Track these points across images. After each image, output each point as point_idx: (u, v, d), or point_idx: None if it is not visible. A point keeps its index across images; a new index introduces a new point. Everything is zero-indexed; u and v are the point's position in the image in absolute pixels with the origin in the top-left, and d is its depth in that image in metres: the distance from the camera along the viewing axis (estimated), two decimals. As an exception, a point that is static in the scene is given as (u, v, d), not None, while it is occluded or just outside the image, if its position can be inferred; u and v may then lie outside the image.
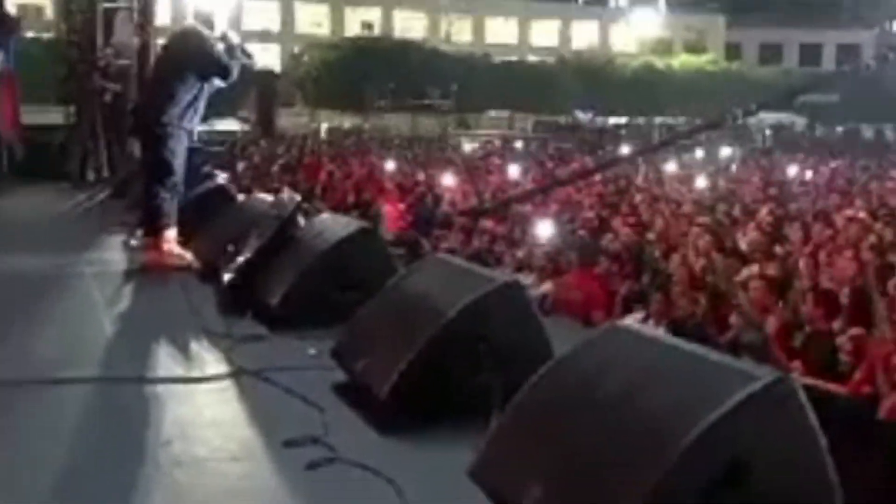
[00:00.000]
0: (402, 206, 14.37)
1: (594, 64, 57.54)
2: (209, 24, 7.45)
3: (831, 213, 13.09)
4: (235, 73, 7.42)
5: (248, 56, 7.66)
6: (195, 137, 7.62)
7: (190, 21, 7.57)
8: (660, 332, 3.31)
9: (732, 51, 69.87)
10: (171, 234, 7.17)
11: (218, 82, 7.42)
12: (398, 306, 4.18)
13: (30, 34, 34.75)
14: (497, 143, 33.41)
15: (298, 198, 6.16)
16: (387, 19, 62.06)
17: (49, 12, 50.06)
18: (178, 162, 7.21)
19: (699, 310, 7.90)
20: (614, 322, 3.72)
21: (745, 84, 54.88)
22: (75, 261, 7.40)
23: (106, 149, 13.91)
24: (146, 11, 14.58)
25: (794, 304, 7.95)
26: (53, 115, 16.19)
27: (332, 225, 5.67)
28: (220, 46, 7.33)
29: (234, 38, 7.53)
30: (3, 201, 11.70)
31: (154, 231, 7.21)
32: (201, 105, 7.40)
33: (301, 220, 6.02)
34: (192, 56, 7.27)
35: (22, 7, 47.26)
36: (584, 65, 56.92)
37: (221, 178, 8.28)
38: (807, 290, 8.09)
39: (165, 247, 7.15)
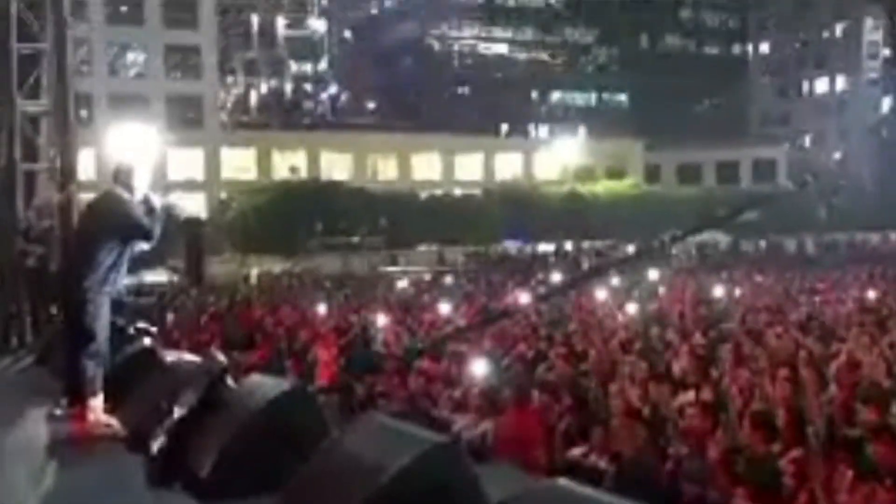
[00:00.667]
0: (335, 351, 14.25)
1: (520, 193, 58.66)
2: (129, 188, 7.44)
3: (762, 331, 13.29)
4: (157, 233, 7.39)
5: (172, 211, 7.65)
6: (121, 293, 7.53)
7: (110, 185, 7.55)
8: (593, 493, 3.24)
9: (652, 173, 71.94)
10: (98, 402, 6.99)
11: (140, 244, 7.37)
12: (334, 470, 4.07)
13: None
14: (428, 278, 33.56)
15: (225, 361, 6.05)
16: (312, 161, 62.84)
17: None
18: (102, 327, 7.09)
19: (639, 441, 7.88)
20: (550, 481, 3.65)
21: (667, 205, 56.35)
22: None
23: (30, 313, 13.63)
24: (68, 171, 14.50)
25: (732, 428, 7.97)
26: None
27: (262, 385, 5.56)
28: (141, 209, 7.31)
29: (156, 201, 7.51)
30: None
31: (79, 400, 7.02)
32: (123, 267, 7.33)
33: (230, 382, 5.89)
34: (112, 221, 7.23)
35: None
36: (510, 194, 57.98)
37: (147, 339, 8.12)
38: (743, 413, 8.13)
39: (92, 416, 6.95)
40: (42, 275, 13.14)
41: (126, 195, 7.36)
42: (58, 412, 7.64)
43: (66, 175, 14.22)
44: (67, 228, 13.39)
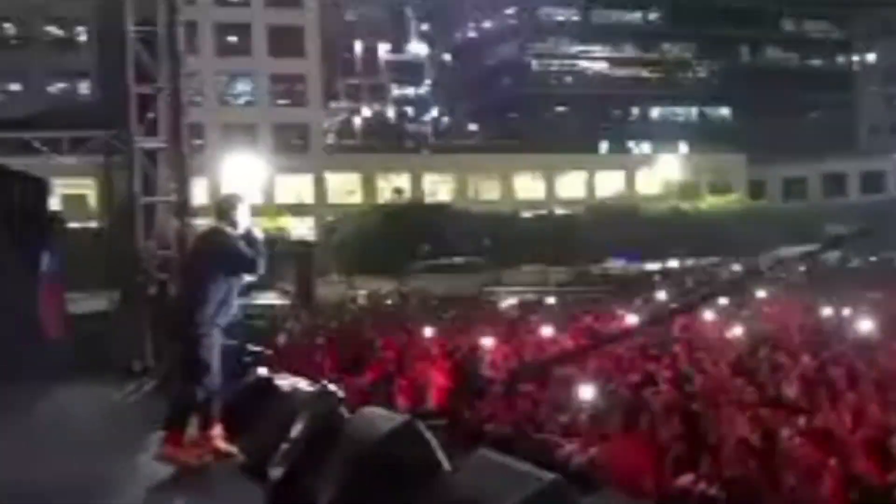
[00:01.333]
0: (444, 373, 14.30)
1: (622, 210, 58.12)
2: (232, 222, 7.66)
3: (874, 350, 12.87)
4: (261, 266, 7.59)
5: (271, 245, 7.88)
6: (235, 316, 7.79)
7: (213, 222, 7.79)
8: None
9: (756, 188, 70.49)
10: (217, 430, 7.21)
11: (246, 276, 7.60)
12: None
13: (74, 224, 35.87)
14: (532, 297, 33.42)
15: (340, 393, 6.18)
16: (416, 184, 63.43)
17: (91, 200, 51.66)
18: (215, 358, 7.31)
19: (751, 469, 7.72)
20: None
21: (773, 220, 55.23)
22: (123, 463, 7.40)
23: (151, 340, 14.08)
24: (184, 202, 14.97)
25: (846, 456, 7.76)
26: (98, 302, 16.47)
27: (376, 418, 5.66)
28: (243, 243, 7.53)
29: (258, 234, 7.74)
30: (53, 397, 11.74)
31: (175, 425, 7.27)
32: (234, 299, 7.56)
33: (345, 412, 6.02)
34: (219, 257, 7.46)
35: (66, 197, 48.89)
36: (613, 212, 57.49)
37: (262, 368, 8.34)
38: (856, 440, 7.91)
39: (213, 443, 7.18)
40: (163, 302, 13.55)
41: (229, 230, 7.58)
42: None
43: (183, 206, 14.71)
44: (185, 255, 13.88)
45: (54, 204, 18.13)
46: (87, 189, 52.35)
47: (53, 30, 58.38)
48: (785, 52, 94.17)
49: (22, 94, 55.44)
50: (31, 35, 57.73)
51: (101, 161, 16.31)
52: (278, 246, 9.23)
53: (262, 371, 8.21)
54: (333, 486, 5.17)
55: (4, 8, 56.82)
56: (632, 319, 18.32)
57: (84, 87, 52.81)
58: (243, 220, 7.75)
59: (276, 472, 5.81)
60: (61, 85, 56.86)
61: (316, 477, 5.42)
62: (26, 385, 12.04)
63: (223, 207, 7.89)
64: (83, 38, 54.94)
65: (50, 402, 11.44)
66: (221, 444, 7.20)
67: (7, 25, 58.28)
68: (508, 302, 31.14)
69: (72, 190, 49.99)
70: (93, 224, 33.19)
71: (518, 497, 3.75)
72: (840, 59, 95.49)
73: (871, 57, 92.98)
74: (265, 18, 62.25)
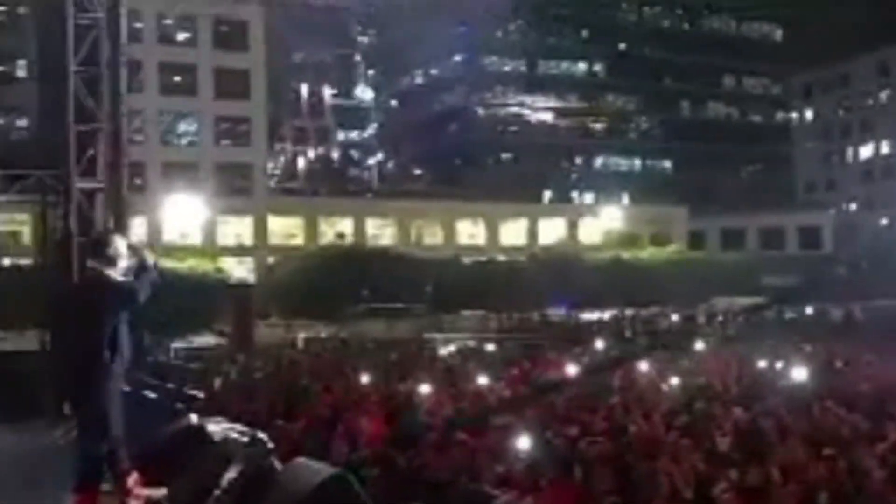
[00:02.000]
0: (380, 420, 14.22)
1: (564, 259, 58.55)
2: (109, 260, 7.42)
3: (808, 405, 13.07)
4: (145, 291, 7.41)
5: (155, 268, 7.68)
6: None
7: (90, 265, 7.58)
8: None
9: (696, 239, 71.67)
10: (133, 479, 7.13)
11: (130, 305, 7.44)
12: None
13: (6, 261, 35.24)
14: (471, 344, 33.46)
15: (270, 445, 6.12)
16: (359, 227, 63.40)
17: (25, 237, 50.71)
18: (115, 407, 7.21)
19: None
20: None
21: (711, 270, 56.09)
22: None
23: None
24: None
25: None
26: (28, 342, 16.16)
27: (307, 470, 5.62)
28: (122, 268, 7.38)
29: (149, 258, 7.57)
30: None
31: (87, 486, 7.15)
32: (125, 339, 7.38)
33: (276, 464, 5.97)
34: (101, 304, 7.30)
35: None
36: (554, 260, 57.88)
37: (193, 416, 8.21)
38: (786, 495, 8.01)
39: (134, 493, 7.07)
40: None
41: (107, 269, 7.38)
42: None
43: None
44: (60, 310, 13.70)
45: None
46: (22, 226, 51.53)
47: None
48: (726, 106, 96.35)
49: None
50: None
51: (38, 199, 16.10)
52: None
53: (194, 418, 8.10)
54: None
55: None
56: (571, 368, 18.44)
57: (21, 123, 52.10)
58: (121, 253, 7.51)
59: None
60: (-1, 120, 55.99)
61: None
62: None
63: (96, 245, 7.75)
64: (22, 73, 54.34)
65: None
66: (143, 492, 7.08)
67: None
68: (448, 348, 31.18)
69: (5, 226, 49.13)
70: (25, 261, 32.62)
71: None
72: (779, 115, 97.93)
73: (808, 114, 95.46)
74: (212, 60, 62.11)
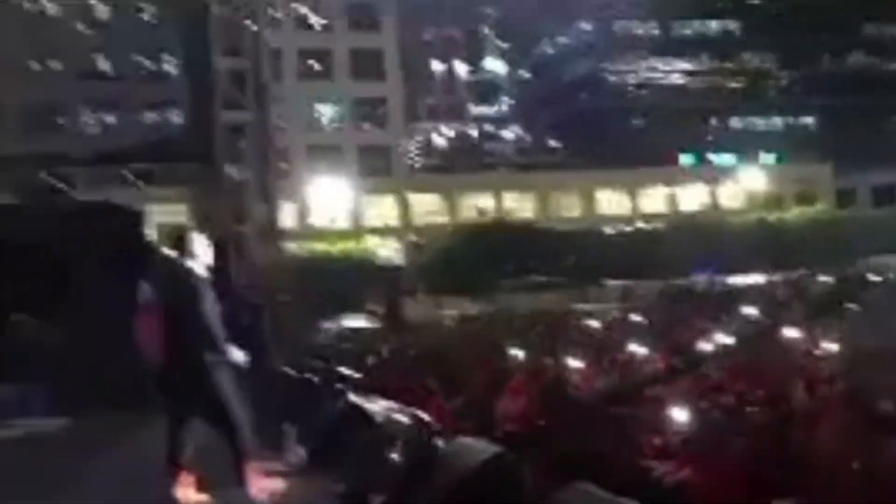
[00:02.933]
0: (530, 396, 14.16)
1: (705, 224, 57.20)
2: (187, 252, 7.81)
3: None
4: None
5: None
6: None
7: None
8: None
9: (844, 197, 68.80)
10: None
11: None
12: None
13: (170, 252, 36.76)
14: (617, 314, 33.03)
15: (434, 425, 6.16)
16: (498, 202, 63.37)
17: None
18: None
19: (850, 493, 7.45)
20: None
21: (863, 229, 53.82)
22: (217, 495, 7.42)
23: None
24: (273, 229, 15.12)
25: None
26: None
27: (469, 451, 5.62)
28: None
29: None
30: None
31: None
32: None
33: (438, 442, 5.99)
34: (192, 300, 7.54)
35: (161, 226, 49.88)
36: (695, 226, 56.62)
37: (351, 394, 8.31)
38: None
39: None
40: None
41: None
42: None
43: (272, 231, 14.89)
44: (274, 280, 14.09)
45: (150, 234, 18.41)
46: (180, 216, 53.40)
47: (144, 62, 59.87)
48: (868, 56, 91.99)
49: (116, 126, 56.94)
50: (123, 68, 59.28)
51: (193, 190, 16.64)
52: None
53: (354, 398, 8.20)
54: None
55: (97, 42, 58.51)
56: (722, 337, 17.99)
57: (172, 118, 54.10)
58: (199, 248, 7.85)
59: (374, 502, 5.81)
60: (153, 116, 58.23)
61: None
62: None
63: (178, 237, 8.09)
64: (170, 68, 56.39)
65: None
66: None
67: (100, 59, 59.93)
68: (594, 320, 30.89)
69: (167, 218, 51.11)
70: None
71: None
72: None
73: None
74: (347, 43, 63.00)
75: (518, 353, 17.79)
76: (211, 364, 7.34)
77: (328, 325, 34.88)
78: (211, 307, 7.49)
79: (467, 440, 6.22)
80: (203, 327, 7.37)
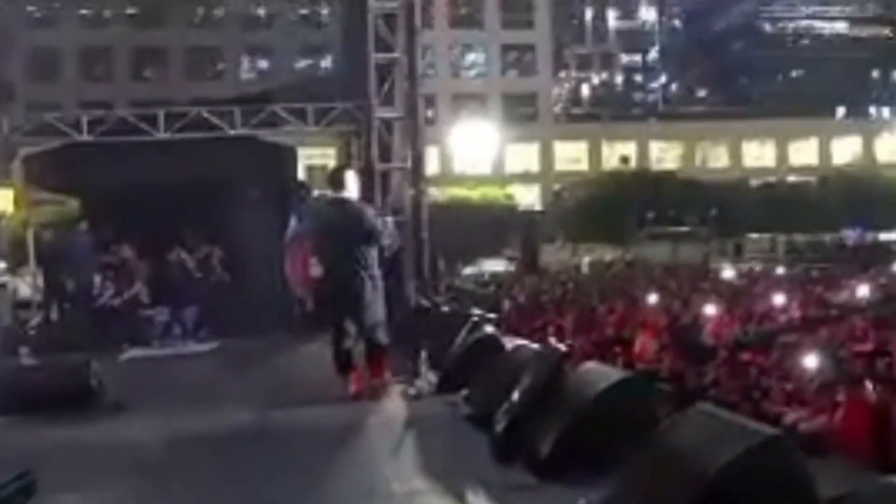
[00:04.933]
0: (662, 338, 14.20)
1: (859, 178, 54.91)
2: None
3: None
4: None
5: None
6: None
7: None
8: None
9: None
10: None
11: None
12: (663, 460, 4.19)
13: (316, 192, 37.64)
14: (758, 268, 32.39)
15: (563, 348, 6.32)
16: (643, 152, 62.41)
17: (333, 169, 53.44)
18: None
19: None
20: (885, 479, 3.56)
21: None
22: (354, 411, 7.84)
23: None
24: (418, 169, 15.36)
25: None
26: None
27: (598, 374, 5.77)
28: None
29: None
30: (299, 349, 12.42)
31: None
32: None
33: (567, 368, 6.16)
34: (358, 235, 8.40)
35: (310, 168, 51.20)
36: (848, 180, 54.42)
37: (489, 326, 8.58)
38: None
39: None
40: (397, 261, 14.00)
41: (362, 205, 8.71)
42: (411, 391, 8.30)
43: (416, 173, 15.17)
44: (419, 224, 14.40)
45: (301, 173, 19.00)
46: (328, 159, 54.41)
47: (299, 9, 61.16)
48: None
49: (270, 71, 58.51)
50: (278, 14, 60.73)
51: (343, 131, 17.01)
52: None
53: (489, 328, 8.47)
54: (554, 435, 5.34)
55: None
56: (866, 289, 17.53)
57: (326, 63, 55.14)
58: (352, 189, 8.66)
59: (501, 422, 6.02)
60: (306, 61, 59.53)
61: (538, 427, 5.60)
62: (272, 338, 12.89)
63: (334, 177, 8.80)
64: (325, 15, 57.43)
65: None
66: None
67: (257, 7, 61.54)
68: (733, 271, 30.38)
69: (315, 160, 52.33)
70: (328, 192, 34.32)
71: (740, 449, 3.76)
72: None
73: None
74: (497, -10, 62.81)
75: (652, 298, 17.84)
76: (362, 280, 8.31)
77: (467, 269, 35.48)
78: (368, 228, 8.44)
79: (597, 365, 6.38)
80: (362, 247, 8.34)
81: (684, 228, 45.34)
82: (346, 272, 8.29)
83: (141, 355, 12.90)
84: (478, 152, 56.97)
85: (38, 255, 14.53)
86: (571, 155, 62.92)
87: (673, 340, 13.93)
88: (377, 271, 8.46)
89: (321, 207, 9.69)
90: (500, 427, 6.00)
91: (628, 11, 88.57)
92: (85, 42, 57.00)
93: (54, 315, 14.68)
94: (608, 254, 42.88)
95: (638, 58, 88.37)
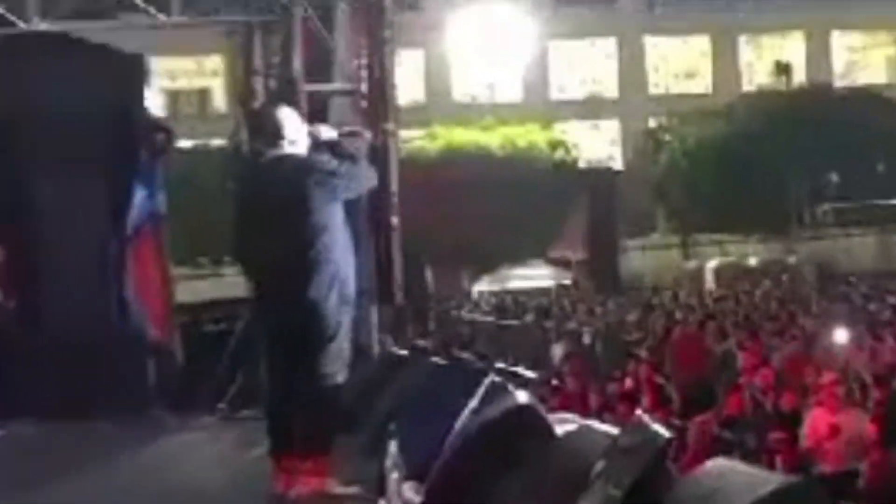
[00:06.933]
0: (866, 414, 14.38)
1: None
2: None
3: None
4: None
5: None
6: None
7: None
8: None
9: None
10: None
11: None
12: None
13: (187, 143, 36.92)
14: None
15: (667, 434, 6.40)
16: (817, 52, 62.86)
17: (218, 97, 53.25)
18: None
19: None
20: None
21: None
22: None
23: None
24: (383, 90, 15.38)
25: None
26: (231, 281, 17.05)
27: (733, 483, 5.89)
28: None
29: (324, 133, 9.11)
30: (155, 449, 12.32)
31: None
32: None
33: (673, 471, 6.27)
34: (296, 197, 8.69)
35: (174, 94, 51.25)
36: None
37: (521, 393, 8.62)
38: None
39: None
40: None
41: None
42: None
43: (381, 100, 15.38)
44: (383, 196, 14.68)
45: (155, 104, 18.65)
46: (212, 78, 54.21)
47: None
48: None
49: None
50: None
51: (235, 24, 17.05)
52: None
53: (523, 396, 8.56)
54: None
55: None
56: None
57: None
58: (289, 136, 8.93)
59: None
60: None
61: None
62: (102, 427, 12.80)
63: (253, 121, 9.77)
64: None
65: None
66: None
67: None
68: None
69: (183, 81, 52.68)
70: (218, 140, 33.90)
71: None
72: None
73: None
74: None
75: (841, 337, 18.14)
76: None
77: (481, 282, 35.70)
78: None
79: (729, 463, 6.51)
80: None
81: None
82: (288, 288, 8.67)
83: None
84: (499, 59, 57.04)
85: None
86: (680, 62, 63.28)
87: (887, 423, 14.06)
88: (345, 271, 8.80)
89: (240, 172, 10.04)
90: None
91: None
92: None
93: None
94: (755, 253, 43.20)
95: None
